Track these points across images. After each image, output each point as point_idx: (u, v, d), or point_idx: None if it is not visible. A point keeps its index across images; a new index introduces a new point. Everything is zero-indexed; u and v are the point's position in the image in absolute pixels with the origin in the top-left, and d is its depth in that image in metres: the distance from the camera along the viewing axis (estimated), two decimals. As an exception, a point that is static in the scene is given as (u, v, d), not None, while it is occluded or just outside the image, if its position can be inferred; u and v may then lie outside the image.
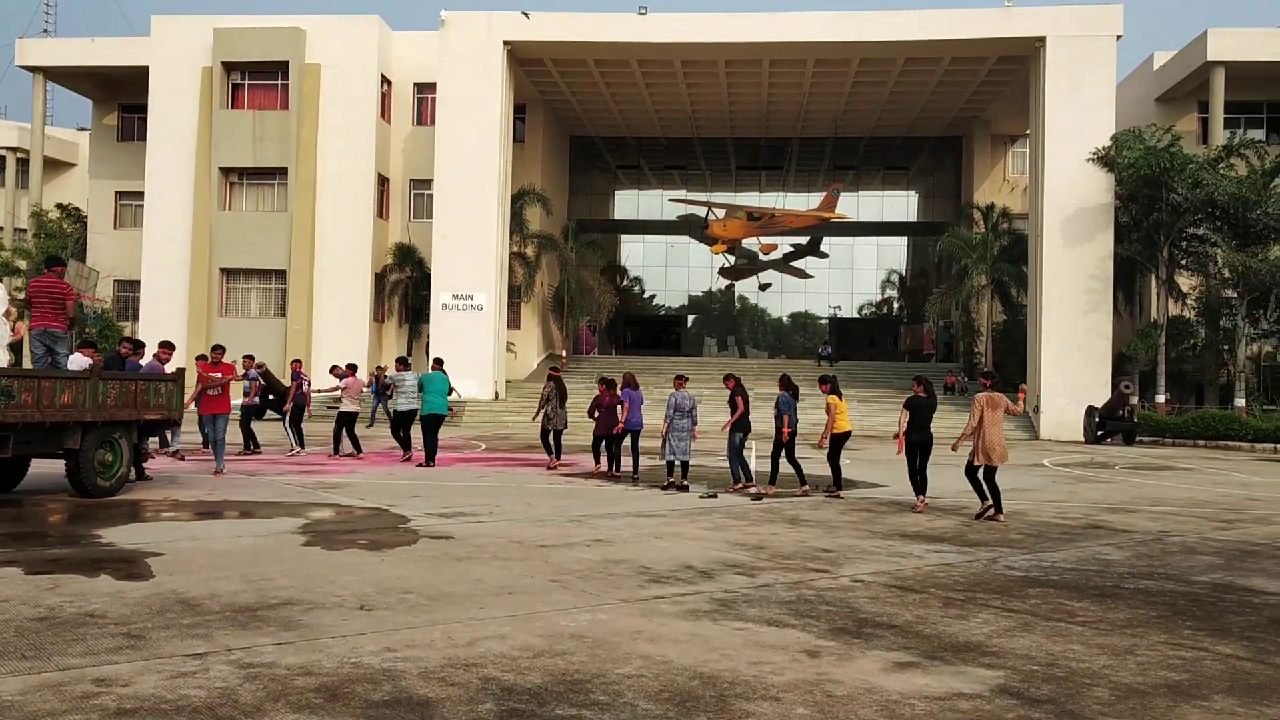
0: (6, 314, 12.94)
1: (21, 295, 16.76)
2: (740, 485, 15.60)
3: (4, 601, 7.05)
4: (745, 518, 12.67)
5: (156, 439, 16.76)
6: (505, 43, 38.36)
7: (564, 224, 48.19)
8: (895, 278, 60.02)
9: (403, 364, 20.13)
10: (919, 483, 13.82)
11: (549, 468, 18.65)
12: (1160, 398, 36.77)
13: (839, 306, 59.95)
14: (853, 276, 59.21)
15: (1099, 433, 33.20)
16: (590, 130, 51.19)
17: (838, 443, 15.37)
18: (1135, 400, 33.89)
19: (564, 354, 45.79)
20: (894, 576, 8.96)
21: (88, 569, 8.34)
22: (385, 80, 42.50)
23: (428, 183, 41.15)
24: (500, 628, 6.73)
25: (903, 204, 59.12)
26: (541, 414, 18.86)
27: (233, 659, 5.83)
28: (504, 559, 9.26)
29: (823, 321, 60.99)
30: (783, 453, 15.51)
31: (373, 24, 41.75)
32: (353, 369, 21.21)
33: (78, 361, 13.62)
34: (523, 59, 40.18)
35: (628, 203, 59.06)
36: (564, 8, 39.46)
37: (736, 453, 15.73)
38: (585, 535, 10.82)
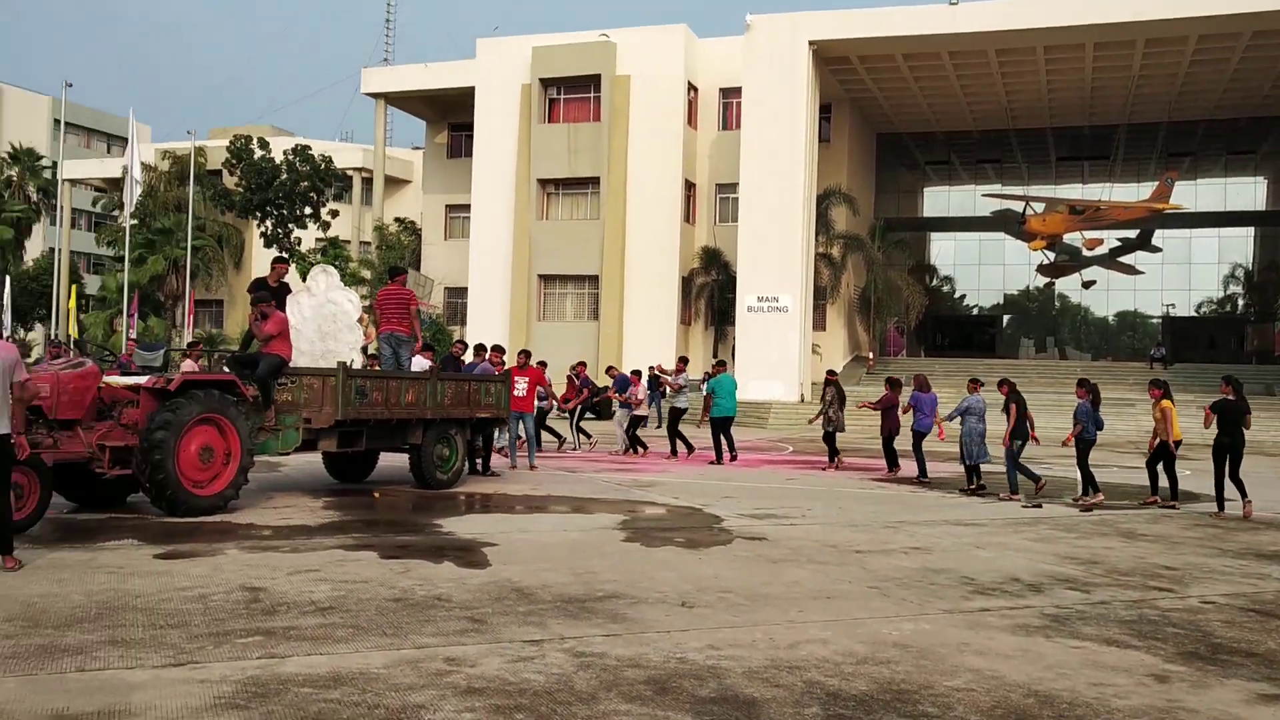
0: (359, 320, 14.22)
1: (366, 303, 18.40)
2: (1009, 494, 14.88)
3: (364, 582, 7.74)
4: (1074, 530, 11.94)
5: (496, 436, 17.79)
6: (811, 43, 38.16)
7: (870, 223, 47.37)
8: (1240, 272, 54.67)
9: (683, 362, 21.57)
10: (1240, 487, 13.50)
11: (824, 469, 19.00)
12: None
13: (1173, 304, 55.31)
14: (1190, 271, 54.43)
15: None
16: (897, 126, 50.02)
17: (1171, 450, 14.40)
18: None
19: (870, 356, 45.01)
20: (1251, 599, 8.15)
21: (433, 555, 9.01)
22: (692, 87, 43.38)
23: (733, 186, 41.60)
24: (821, 632, 6.67)
25: (1249, 191, 53.78)
26: (822, 416, 19.41)
27: (566, 647, 6.10)
28: (819, 563, 9.18)
29: (1155, 321, 56.51)
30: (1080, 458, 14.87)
31: (679, 33, 42.74)
32: (637, 375, 21.98)
33: (418, 363, 14.78)
34: (828, 58, 39.83)
35: (937, 199, 57.16)
36: (868, 4, 38.82)
37: (1014, 460, 15.03)
38: (902, 542, 10.55)
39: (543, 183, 43.68)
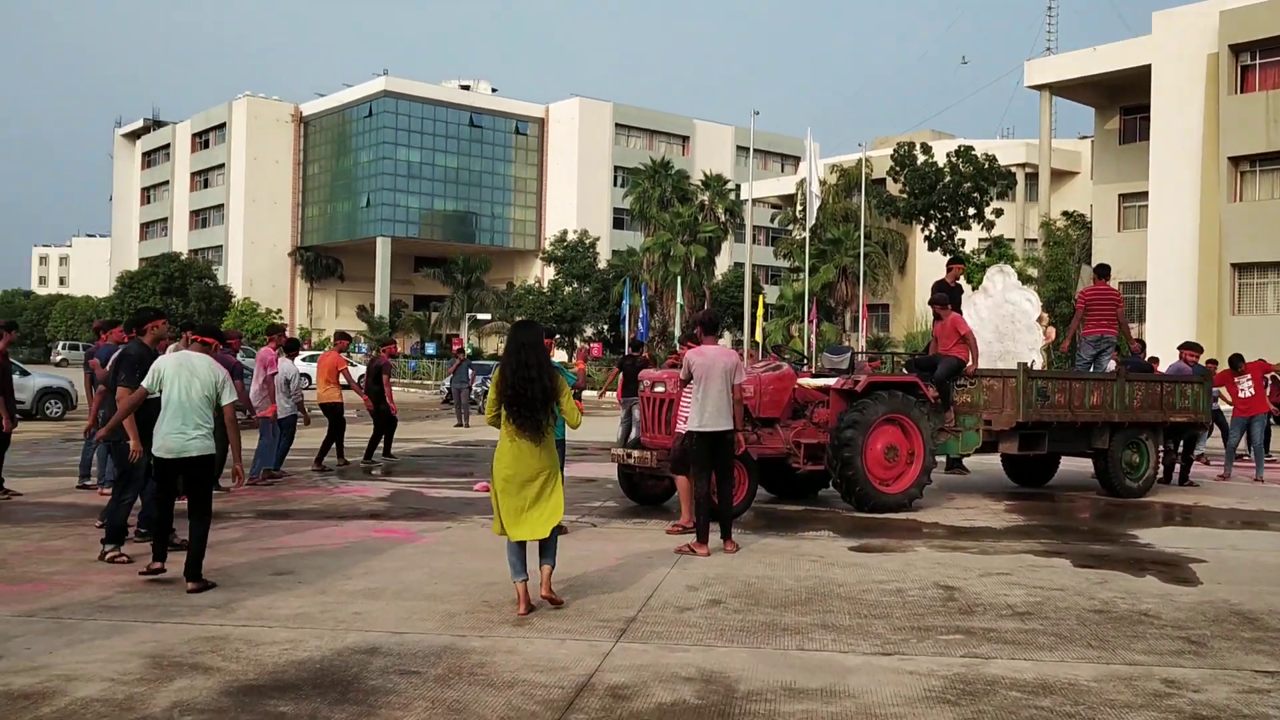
0: (1039, 319, 13.80)
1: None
2: None
3: (1060, 590, 7.44)
4: None
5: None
6: None
7: None
8: None
9: None
10: None
11: None
12: None
13: None
14: None
15: None
16: None
17: None
18: None
19: None
20: None
21: (1131, 568, 8.41)
22: None
23: None
24: None
25: None
26: None
27: (1310, 684, 5.32)
28: None
29: None
30: None
31: None
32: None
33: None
34: None
35: None
36: None
37: None
38: None
39: (1235, 160, 39.05)
